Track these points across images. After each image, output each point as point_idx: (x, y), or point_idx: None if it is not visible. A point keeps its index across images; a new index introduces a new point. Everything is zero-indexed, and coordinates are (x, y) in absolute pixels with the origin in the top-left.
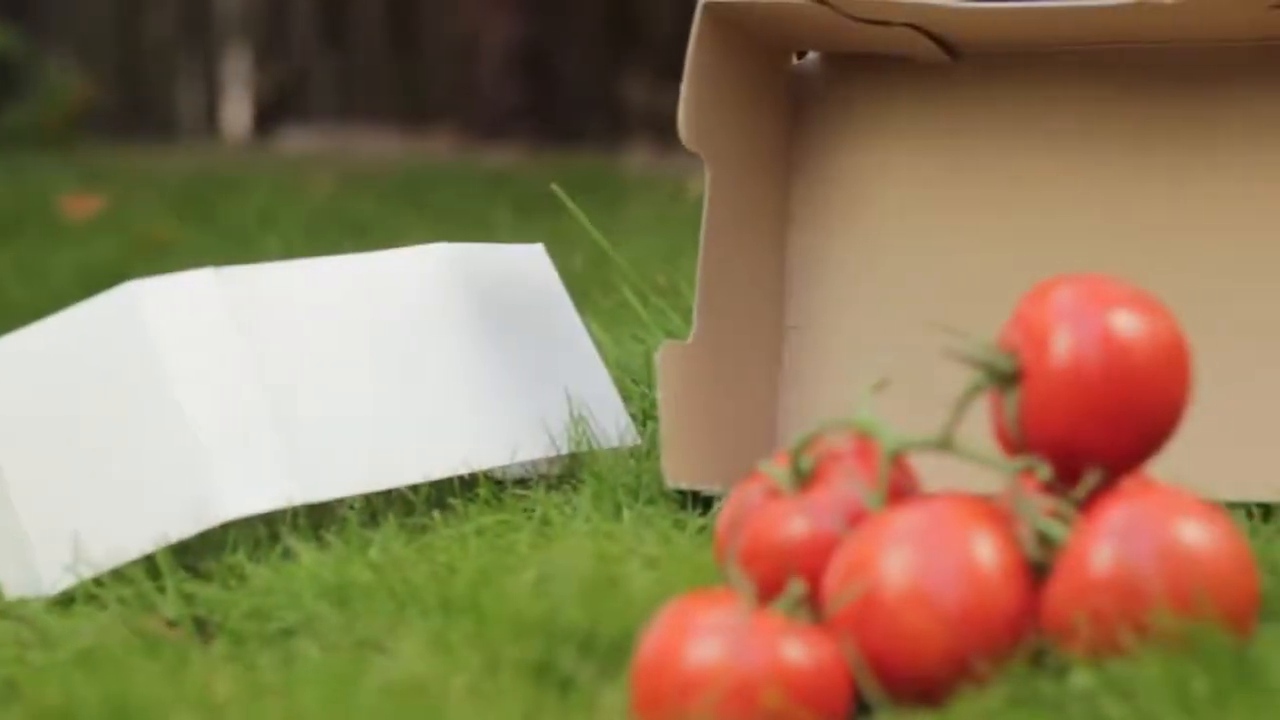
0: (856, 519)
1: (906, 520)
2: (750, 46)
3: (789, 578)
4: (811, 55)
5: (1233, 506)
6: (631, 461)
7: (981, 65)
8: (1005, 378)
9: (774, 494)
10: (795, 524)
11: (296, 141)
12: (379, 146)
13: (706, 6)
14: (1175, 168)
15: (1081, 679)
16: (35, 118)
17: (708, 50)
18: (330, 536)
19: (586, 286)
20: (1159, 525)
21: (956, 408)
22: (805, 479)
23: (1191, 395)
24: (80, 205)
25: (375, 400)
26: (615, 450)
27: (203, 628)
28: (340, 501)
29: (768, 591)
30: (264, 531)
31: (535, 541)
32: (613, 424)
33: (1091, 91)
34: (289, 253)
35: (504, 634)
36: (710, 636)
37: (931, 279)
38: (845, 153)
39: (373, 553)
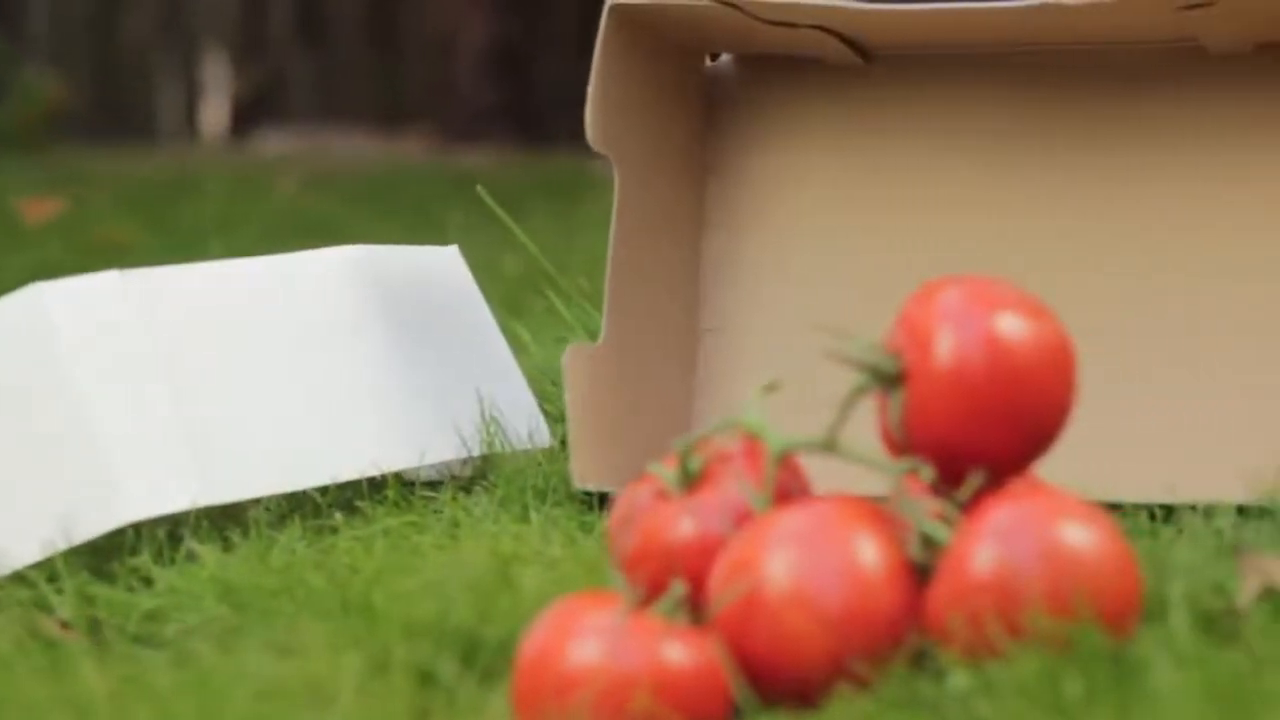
0: (743, 520)
1: (790, 522)
2: (660, 48)
3: (680, 578)
4: (725, 57)
5: (1135, 508)
6: (543, 463)
7: (894, 67)
8: (889, 379)
9: (663, 495)
10: (682, 525)
11: (273, 143)
12: (355, 147)
13: (613, 8)
14: (1089, 168)
15: (959, 680)
16: (10, 120)
17: (615, 52)
18: (235, 538)
19: (521, 289)
20: (1041, 527)
21: (841, 409)
22: (693, 480)
23: (1076, 398)
24: (39, 208)
25: (283, 402)
26: (527, 452)
27: (100, 630)
28: (248, 503)
29: (657, 592)
30: (167, 533)
31: (441, 543)
32: (525, 425)
33: (1005, 93)
34: (240, 256)
35: (395, 635)
36: (589, 637)
37: (847, 280)
38: (759, 154)
39: (276, 555)
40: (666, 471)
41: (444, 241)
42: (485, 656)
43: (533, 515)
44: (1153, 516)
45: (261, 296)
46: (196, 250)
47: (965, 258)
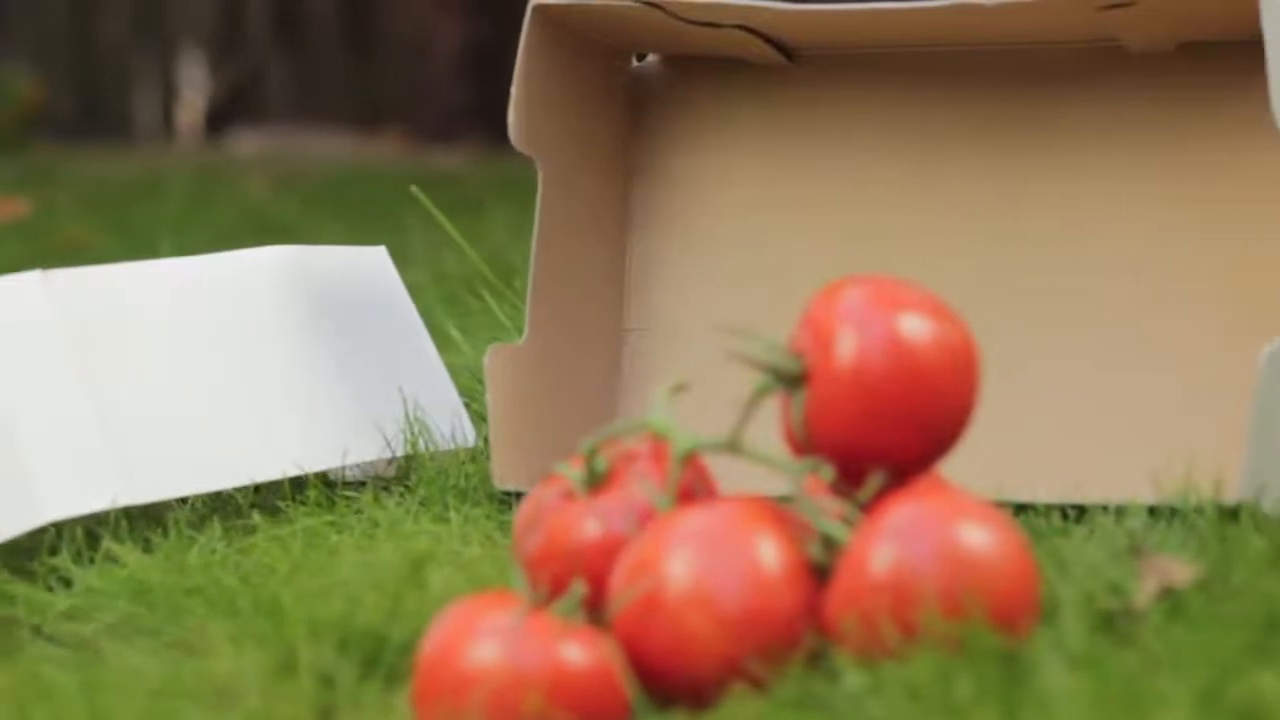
0: (648, 521)
1: (690, 522)
2: (585, 48)
3: (585, 579)
4: (652, 57)
5: (1048, 508)
6: (466, 463)
7: (820, 66)
8: (791, 379)
9: (569, 496)
10: (587, 526)
11: (248, 143)
12: (329, 148)
13: (536, 8)
14: (1013, 168)
15: (852, 680)
16: None
17: (539, 52)
18: (155, 538)
19: (463, 288)
20: (939, 527)
21: (744, 409)
22: (599, 481)
23: (977, 399)
24: (5, 208)
25: (204, 402)
26: (451, 452)
27: (14, 628)
28: (169, 503)
29: (562, 593)
30: (86, 533)
31: (361, 544)
32: (450, 425)
33: (929, 93)
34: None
35: (300, 635)
36: (486, 637)
37: (771, 280)
38: (685, 154)
39: (194, 555)
40: (573, 472)
41: (403, 242)
42: (391, 656)
43: (452, 516)
44: (1065, 516)
45: (185, 296)
46: (151, 251)
47: (890, 257)
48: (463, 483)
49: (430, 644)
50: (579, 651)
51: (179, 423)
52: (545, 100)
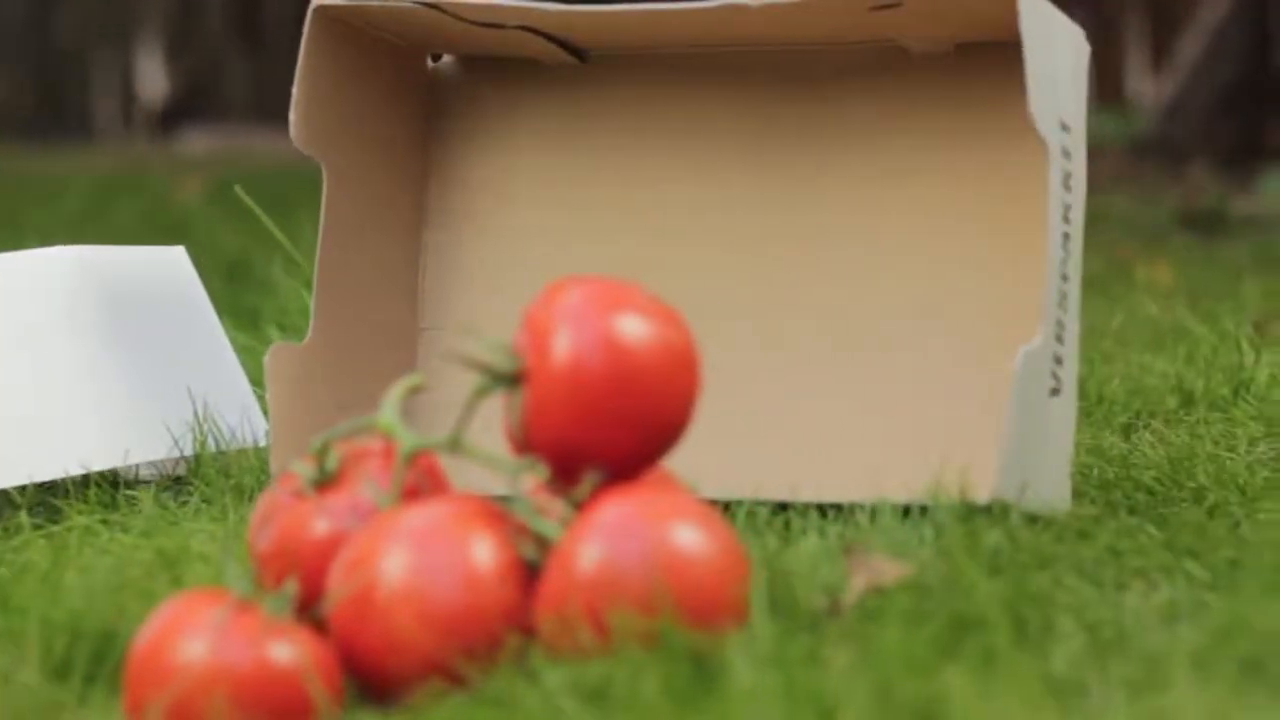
0: (373, 519)
1: (406, 520)
2: (373, 49)
3: (311, 577)
4: (448, 57)
5: (805, 507)
6: (254, 462)
7: (609, 67)
8: (507, 379)
9: (301, 494)
10: (315, 524)
11: (199, 142)
12: (280, 147)
13: (317, 9)
14: (792, 166)
15: (550, 678)
16: None
17: (320, 52)
18: None
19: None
20: (647, 527)
21: (465, 409)
22: (329, 479)
23: (696, 401)
24: None
25: None
26: (240, 451)
27: None
28: None
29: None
30: None
31: (136, 543)
32: (241, 424)
33: (713, 92)
34: None
35: (34, 632)
36: (191, 633)
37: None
38: (479, 154)
39: None
40: (305, 470)
41: (303, 242)
42: (120, 654)
43: (230, 514)
44: (824, 515)
45: None
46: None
47: (677, 255)
48: (246, 481)
49: (139, 640)
50: (277, 649)
51: None
52: (329, 100)
